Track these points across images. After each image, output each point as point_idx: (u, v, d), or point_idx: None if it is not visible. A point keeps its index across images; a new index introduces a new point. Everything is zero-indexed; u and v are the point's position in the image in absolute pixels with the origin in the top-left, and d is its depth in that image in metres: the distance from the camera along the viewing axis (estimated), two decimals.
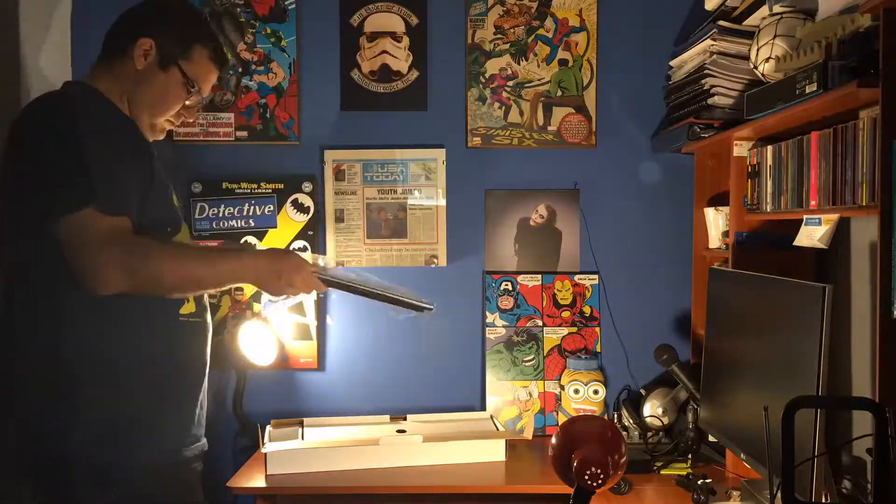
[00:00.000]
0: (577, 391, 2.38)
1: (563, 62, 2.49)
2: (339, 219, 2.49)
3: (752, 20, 2.04)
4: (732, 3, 2.10)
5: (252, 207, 2.48)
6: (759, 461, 1.72)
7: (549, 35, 2.49)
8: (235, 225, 2.47)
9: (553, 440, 1.50)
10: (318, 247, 2.49)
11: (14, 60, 2.18)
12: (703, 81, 2.10)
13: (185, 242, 1.64)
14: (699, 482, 1.85)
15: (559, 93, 2.49)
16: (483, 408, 2.47)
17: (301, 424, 2.29)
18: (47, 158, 1.42)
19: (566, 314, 2.49)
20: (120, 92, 1.60)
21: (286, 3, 2.48)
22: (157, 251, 1.46)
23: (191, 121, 1.71)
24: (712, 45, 2.07)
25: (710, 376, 2.07)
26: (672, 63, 2.39)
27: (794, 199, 1.78)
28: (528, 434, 2.25)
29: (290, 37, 2.48)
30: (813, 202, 1.69)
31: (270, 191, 2.48)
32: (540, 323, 2.48)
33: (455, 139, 2.50)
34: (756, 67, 1.88)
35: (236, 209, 2.47)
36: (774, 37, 1.79)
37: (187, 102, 1.67)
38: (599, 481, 1.39)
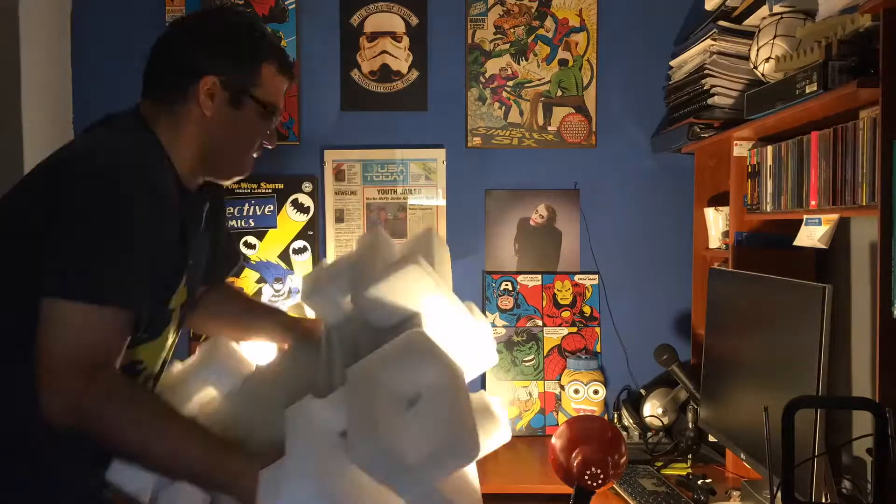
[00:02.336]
0: (577, 391, 2.38)
1: (563, 62, 2.49)
2: (339, 219, 2.49)
3: (752, 20, 2.04)
4: (732, 3, 2.10)
5: (252, 207, 2.48)
6: (759, 461, 1.72)
7: (549, 35, 2.49)
8: (236, 225, 2.47)
9: (553, 440, 1.50)
10: (318, 247, 2.49)
11: (14, 60, 2.18)
12: (703, 81, 2.10)
13: (170, 408, 1.23)
14: (699, 482, 1.85)
15: (559, 93, 2.49)
16: None
17: None
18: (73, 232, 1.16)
19: (566, 314, 2.49)
20: (189, 140, 1.32)
21: (286, 3, 2.48)
22: (124, 403, 1.14)
23: (271, 147, 1.41)
24: (712, 45, 2.07)
25: (710, 376, 2.07)
26: (672, 63, 2.39)
27: (794, 199, 1.78)
28: None
29: (290, 37, 2.48)
30: (813, 202, 1.69)
31: (270, 191, 2.48)
32: (540, 323, 2.48)
33: (455, 139, 2.50)
34: (756, 67, 1.88)
35: (236, 209, 2.47)
36: (774, 37, 1.79)
37: (268, 130, 1.39)
38: (599, 481, 1.39)
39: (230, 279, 1.58)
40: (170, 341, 1.39)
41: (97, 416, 1.11)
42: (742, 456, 1.82)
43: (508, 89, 2.49)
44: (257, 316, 1.62)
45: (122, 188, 1.17)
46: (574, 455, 1.42)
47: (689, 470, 2.05)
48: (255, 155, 1.41)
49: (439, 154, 2.49)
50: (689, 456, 2.12)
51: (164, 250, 1.24)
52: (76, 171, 1.19)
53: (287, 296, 2.48)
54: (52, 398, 1.10)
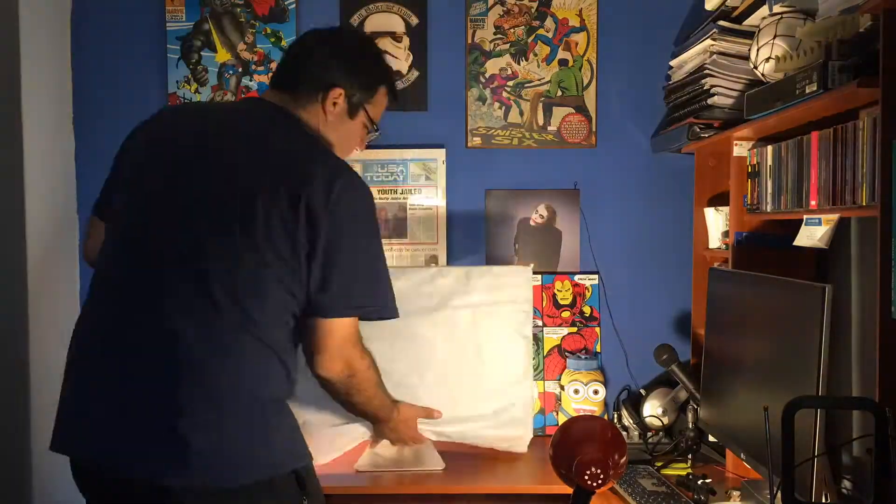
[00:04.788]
0: (577, 391, 2.38)
1: (563, 62, 2.49)
2: None
3: (752, 20, 2.04)
4: (732, 3, 2.10)
5: None
6: (759, 461, 1.72)
7: (549, 35, 2.49)
8: None
9: (553, 440, 1.50)
10: None
11: (14, 60, 2.18)
12: (703, 81, 2.10)
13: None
14: (699, 482, 1.85)
15: (559, 93, 2.49)
16: None
17: None
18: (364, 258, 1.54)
19: (566, 314, 2.49)
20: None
21: (286, 3, 2.48)
22: (372, 372, 1.71)
23: (359, 150, 1.74)
24: (712, 45, 2.07)
25: (710, 376, 2.07)
26: (672, 63, 2.39)
27: (794, 199, 1.78)
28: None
29: (290, 37, 2.48)
30: (813, 202, 1.69)
31: None
32: (540, 323, 2.48)
33: (455, 139, 2.50)
34: (756, 67, 1.88)
35: None
36: (774, 37, 1.79)
37: (364, 139, 1.72)
38: (599, 481, 1.40)
39: None
40: None
41: (356, 373, 1.61)
42: (742, 456, 1.83)
43: (508, 89, 2.49)
44: None
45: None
46: (574, 455, 1.42)
47: (689, 470, 2.05)
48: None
49: (439, 154, 2.49)
50: (689, 456, 2.12)
51: None
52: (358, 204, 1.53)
53: None
54: (335, 361, 1.55)
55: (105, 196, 1.64)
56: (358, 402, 1.73)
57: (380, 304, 1.57)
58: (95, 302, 1.52)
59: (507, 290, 2.16)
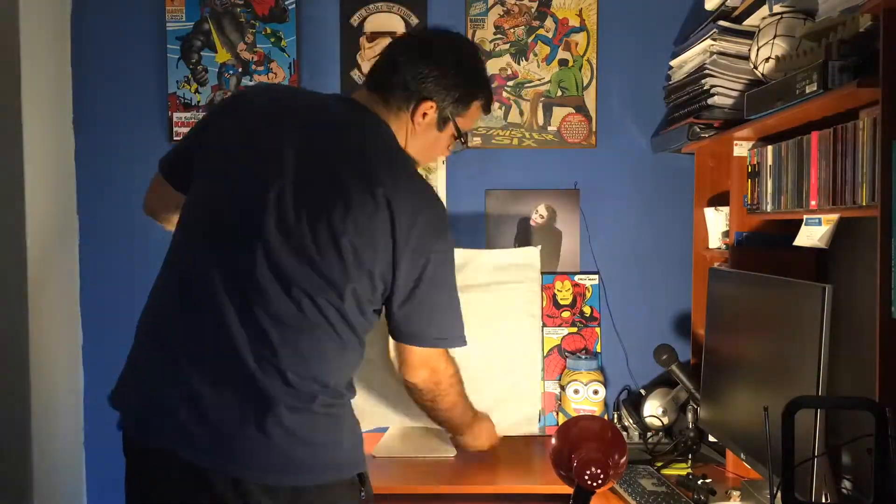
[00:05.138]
0: (576, 391, 2.38)
1: (563, 62, 2.49)
2: None
3: (752, 20, 2.04)
4: (732, 3, 2.10)
5: None
6: (759, 461, 1.72)
7: (549, 35, 2.49)
8: None
9: (553, 440, 1.50)
10: None
11: (14, 60, 2.18)
12: (703, 81, 2.10)
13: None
14: (699, 482, 1.85)
15: (559, 93, 2.49)
16: None
17: None
18: (452, 288, 1.59)
19: (566, 314, 2.49)
20: (400, 139, 1.60)
21: (286, 3, 2.48)
22: (457, 380, 1.78)
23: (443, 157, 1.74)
24: (712, 45, 2.07)
25: (710, 376, 2.07)
26: (672, 63, 2.39)
27: (794, 199, 1.78)
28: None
29: (290, 37, 2.48)
30: (813, 202, 1.69)
31: None
32: (540, 323, 2.48)
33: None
34: (756, 67, 1.88)
35: None
36: (774, 37, 1.79)
37: (450, 149, 1.70)
38: (599, 481, 1.39)
39: None
40: None
41: (442, 380, 1.71)
42: (742, 456, 1.83)
43: (508, 89, 2.49)
44: None
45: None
46: (574, 455, 1.42)
47: (689, 470, 2.05)
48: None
49: None
50: (689, 456, 2.12)
51: None
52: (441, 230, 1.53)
53: None
54: (422, 367, 1.65)
55: (179, 161, 1.60)
56: (442, 408, 1.81)
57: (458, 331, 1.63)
58: (179, 275, 1.48)
59: (516, 271, 2.27)
